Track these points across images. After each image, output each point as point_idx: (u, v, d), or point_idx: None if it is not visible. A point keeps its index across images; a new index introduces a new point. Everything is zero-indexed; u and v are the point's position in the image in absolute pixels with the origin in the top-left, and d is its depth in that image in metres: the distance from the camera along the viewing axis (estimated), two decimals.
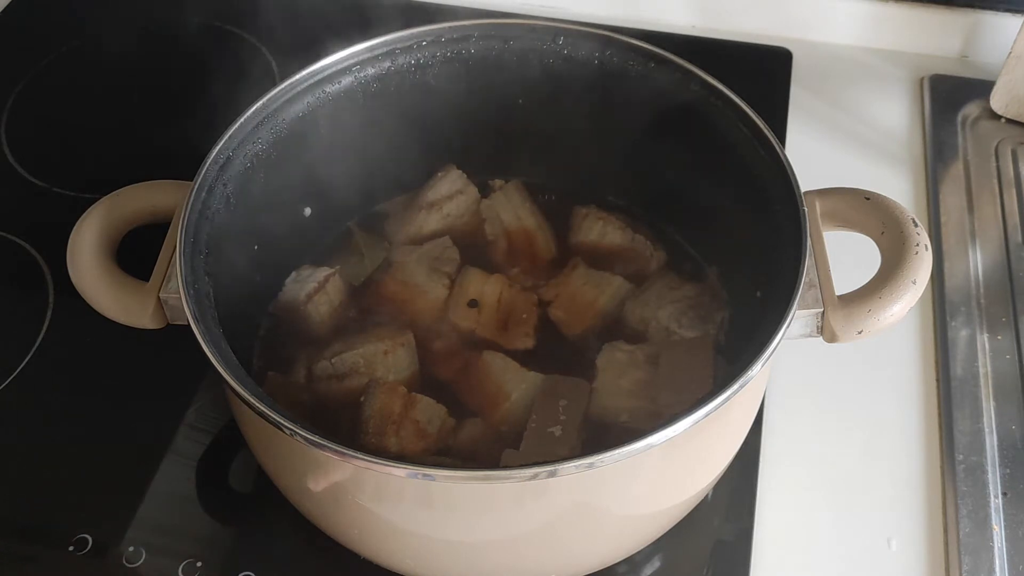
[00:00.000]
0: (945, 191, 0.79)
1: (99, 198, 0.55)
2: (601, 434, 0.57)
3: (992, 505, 0.61)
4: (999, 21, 0.89)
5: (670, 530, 0.56)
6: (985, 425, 0.64)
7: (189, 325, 0.48)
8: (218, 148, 0.56)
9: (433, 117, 0.66)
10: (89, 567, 0.59)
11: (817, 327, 0.52)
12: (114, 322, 0.53)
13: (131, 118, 0.88)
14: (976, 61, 0.91)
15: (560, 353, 0.62)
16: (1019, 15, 0.87)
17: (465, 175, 0.69)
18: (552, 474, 0.42)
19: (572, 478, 0.43)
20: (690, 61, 0.59)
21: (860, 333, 0.50)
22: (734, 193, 0.58)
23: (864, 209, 0.53)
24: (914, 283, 0.50)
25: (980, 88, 0.86)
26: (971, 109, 0.85)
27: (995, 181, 0.80)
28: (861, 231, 0.53)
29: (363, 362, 0.59)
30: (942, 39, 0.91)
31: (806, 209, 0.51)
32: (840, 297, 0.51)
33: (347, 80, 0.61)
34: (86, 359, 0.70)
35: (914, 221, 0.51)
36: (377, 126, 0.65)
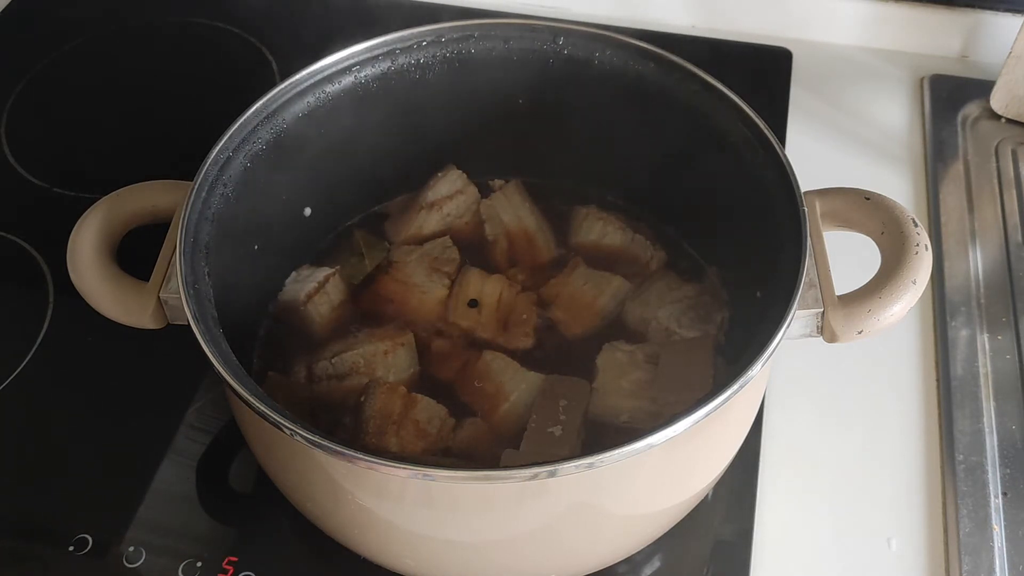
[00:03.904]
0: (945, 191, 0.79)
1: (99, 198, 0.55)
2: (601, 434, 0.57)
3: (992, 505, 0.61)
4: (999, 21, 0.89)
5: (670, 530, 0.56)
6: (985, 425, 0.64)
7: (189, 325, 0.48)
8: (218, 148, 0.56)
9: (433, 117, 0.66)
10: (89, 567, 0.59)
11: (817, 327, 0.52)
12: (114, 322, 0.53)
13: (131, 118, 0.88)
14: (976, 61, 0.91)
15: (560, 353, 0.62)
16: (1019, 15, 0.87)
17: (465, 175, 0.69)
18: (552, 474, 0.42)
19: (572, 478, 0.43)
20: (690, 61, 0.59)
21: (860, 333, 0.50)
22: (734, 193, 0.58)
23: (864, 209, 0.53)
24: (914, 283, 0.50)
25: (980, 88, 0.86)
26: (971, 109, 0.85)
27: (995, 181, 0.80)
28: (861, 231, 0.53)
29: (363, 362, 0.59)
30: (942, 39, 0.91)
31: (806, 209, 0.51)
32: (840, 297, 0.51)
33: (347, 80, 0.61)
34: (86, 359, 0.70)
35: (914, 221, 0.51)
36: (377, 126, 0.64)
